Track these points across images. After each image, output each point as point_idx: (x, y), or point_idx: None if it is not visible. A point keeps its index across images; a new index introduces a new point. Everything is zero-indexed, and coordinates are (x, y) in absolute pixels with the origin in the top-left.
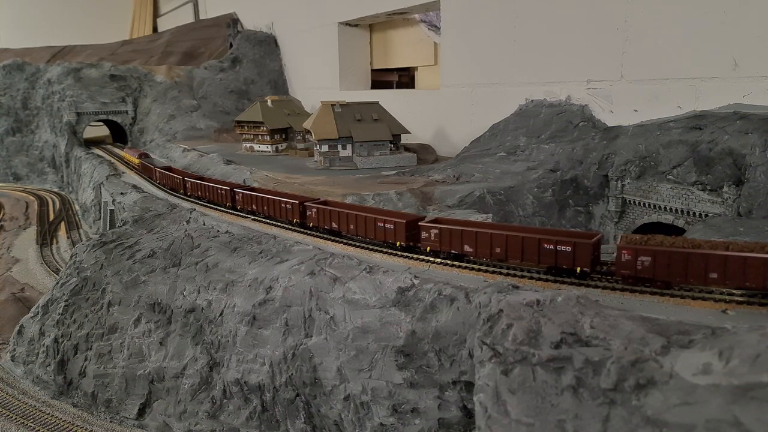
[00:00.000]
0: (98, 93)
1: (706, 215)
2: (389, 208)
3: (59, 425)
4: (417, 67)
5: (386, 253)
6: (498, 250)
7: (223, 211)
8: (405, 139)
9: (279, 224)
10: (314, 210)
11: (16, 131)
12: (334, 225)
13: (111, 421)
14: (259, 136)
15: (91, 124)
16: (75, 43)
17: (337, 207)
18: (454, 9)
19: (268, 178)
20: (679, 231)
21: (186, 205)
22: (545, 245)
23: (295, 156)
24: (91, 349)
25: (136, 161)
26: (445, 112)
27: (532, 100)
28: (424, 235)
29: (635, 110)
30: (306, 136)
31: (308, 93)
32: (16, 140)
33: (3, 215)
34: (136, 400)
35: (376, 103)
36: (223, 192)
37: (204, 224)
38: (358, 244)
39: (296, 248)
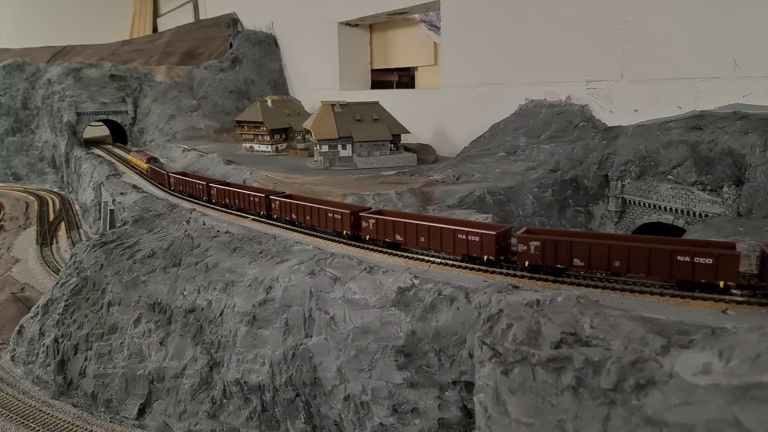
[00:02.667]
0: (98, 93)
1: (706, 215)
2: (390, 208)
3: (59, 425)
4: (417, 67)
5: (467, 268)
6: (617, 263)
7: (257, 220)
8: (405, 139)
9: (325, 236)
10: (372, 221)
11: (16, 131)
12: (399, 237)
13: (111, 421)
14: (259, 136)
15: (91, 124)
16: (75, 43)
17: (403, 218)
18: (454, 9)
19: (268, 178)
20: (679, 231)
21: (186, 205)
22: (679, 257)
23: (295, 156)
24: (91, 349)
25: (145, 166)
26: (445, 112)
27: (532, 100)
28: (521, 247)
29: (635, 110)
30: (306, 136)
31: (308, 93)
32: (16, 140)
33: (3, 215)
34: (136, 400)
35: (376, 103)
36: (257, 200)
37: (204, 224)
38: (430, 259)
39: (296, 248)
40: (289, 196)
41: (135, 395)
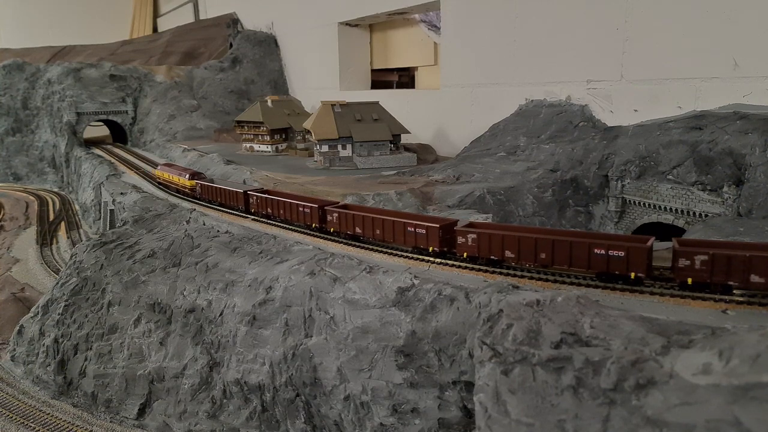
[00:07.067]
0: (98, 93)
1: (706, 215)
2: (390, 208)
3: (59, 425)
4: (417, 67)
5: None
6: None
7: (419, 259)
8: (405, 139)
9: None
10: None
11: (16, 131)
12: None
13: (111, 421)
14: (259, 136)
15: (91, 124)
16: (75, 43)
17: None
18: (454, 9)
19: (269, 178)
20: (679, 231)
21: (186, 205)
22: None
23: (295, 156)
24: (91, 349)
25: (189, 183)
26: (445, 112)
27: (532, 100)
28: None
29: (635, 110)
30: (306, 136)
31: (308, 93)
32: (16, 140)
33: (3, 215)
34: (136, 400)
35: (376, 103)
36: (421, 231)
37: (204, 224)
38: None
39: (296, 248)
40: (471, 225)
41: (135, 395)
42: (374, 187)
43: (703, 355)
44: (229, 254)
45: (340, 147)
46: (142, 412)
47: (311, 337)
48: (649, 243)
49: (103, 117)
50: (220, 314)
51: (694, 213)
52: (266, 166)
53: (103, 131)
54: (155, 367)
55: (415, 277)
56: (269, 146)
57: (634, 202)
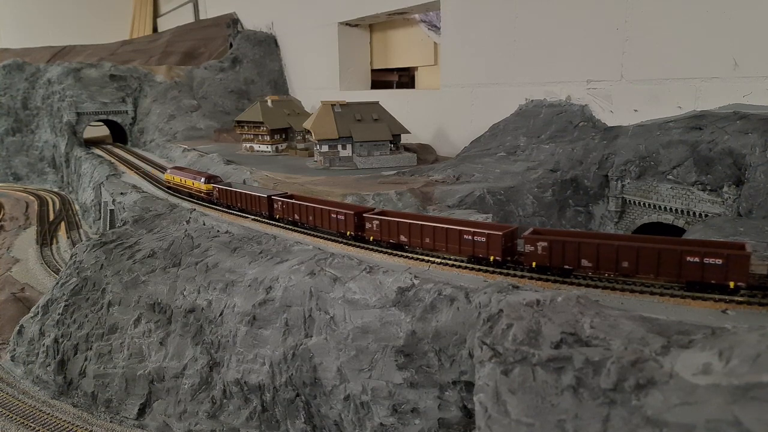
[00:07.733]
0: (98, 93)
1: (706, 215)
2: (390, 208)
3: (59, 425)
4: (417, 67)
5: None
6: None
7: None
8: (405, 139)
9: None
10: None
11: (16, 131)
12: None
13: (111, 421)
14: (259, 136)
15: (91, 124)
16: (75, 43)
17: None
18: (454, 9)
19: (269, 178)
20: (679, 231)
21: (186, 204)
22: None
23: (295, 156)
24: (91, 349)
25: (206, 187)
26: (445, 112)
27: (532, 100)
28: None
29: (635, 110)
30: (306, 136)
31: (308, 93)
32: (16, 140)
33: (3, 215)
34: (136, 400)
35: (376, 103)
36: (480, 239)
37: (204, 224)
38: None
39: (296, 248)
40: (536, 231)
41: (135, 395)
42: (374, 187)
43: (703, 355)
44: (229, 254)
45: (340, 147)
46: (142, 412)
47: (311, 337)
48: (748, 249)
49: (103, 117)
50: (220, 314)
51: (694, 213)
52: (266, 166)
53: (103, 131)
54: (155, 367)
55: (415, 277)
56: (269, 146)
57: (634, 202)
